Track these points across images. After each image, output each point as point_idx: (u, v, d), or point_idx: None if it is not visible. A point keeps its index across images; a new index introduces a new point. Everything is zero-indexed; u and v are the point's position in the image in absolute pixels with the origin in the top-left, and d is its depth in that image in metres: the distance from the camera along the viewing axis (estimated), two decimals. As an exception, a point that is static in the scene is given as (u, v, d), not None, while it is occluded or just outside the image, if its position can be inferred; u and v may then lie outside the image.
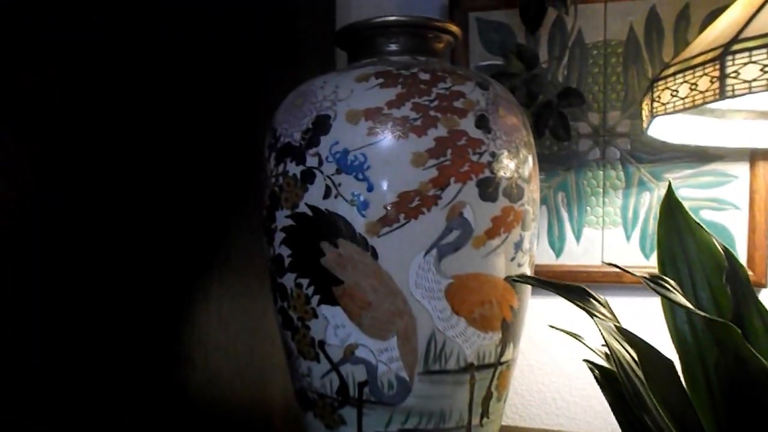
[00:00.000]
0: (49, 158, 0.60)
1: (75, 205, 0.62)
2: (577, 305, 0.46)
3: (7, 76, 0.56)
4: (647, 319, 0.96)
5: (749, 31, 0.68)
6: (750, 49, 0.66)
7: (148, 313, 0.70)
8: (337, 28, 1.02)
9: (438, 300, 0.63)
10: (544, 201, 1.01)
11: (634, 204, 0.99)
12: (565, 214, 1.01)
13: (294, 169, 0.66)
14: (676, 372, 0.53)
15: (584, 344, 0.58)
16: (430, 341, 0.64)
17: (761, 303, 0.59)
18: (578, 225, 1.01)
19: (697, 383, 0.56)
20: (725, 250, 0.57)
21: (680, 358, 0.59)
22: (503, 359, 0.68)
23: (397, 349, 0.64)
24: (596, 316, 0.45)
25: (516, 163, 0.66)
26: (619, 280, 0.98)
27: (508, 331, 0.68)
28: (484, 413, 0.68)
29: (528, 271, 0.69)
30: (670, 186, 0.66)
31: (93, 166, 0.64)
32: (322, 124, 0.65)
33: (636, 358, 0.48)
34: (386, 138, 0.62)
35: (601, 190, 1.00)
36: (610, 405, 0.57)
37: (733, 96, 0.66)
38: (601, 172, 1.00)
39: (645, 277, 0.45)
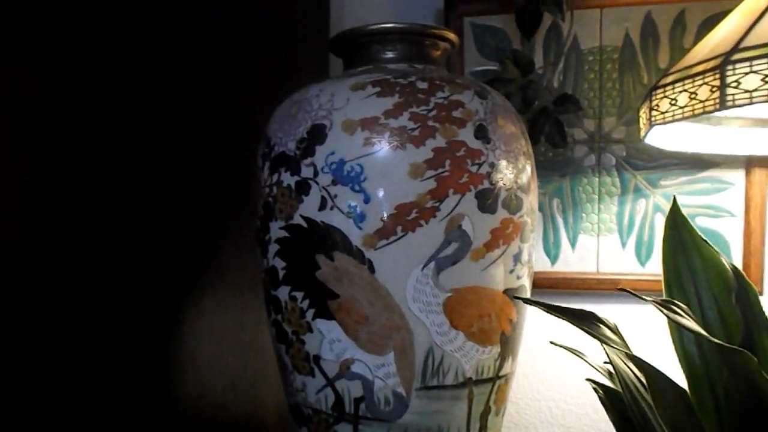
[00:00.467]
0: (47, 161, 0.58)
1: (63, 216, 0.60)
2: (587, 332, 0.45)
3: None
4: (643, 326, 0.96)
5: (750, 40, 0.66)
6: (751, 59, 0.65)
7: (137, 327, 0.67)
8: (331, 34, 1.00)
9: (436, 314, 0.62)
10: (539, 208, 1.00)
11: (630, 211, 0.97)
12: (560, 221, 1.00)
13: (288, 179, 0.64)
14: (688, 399, 0.51)
15: (586, 361, 0.56)
16: (428, 356, 0.62)
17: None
18: (573, 232, 0.99)
19: (706, 406, 0.54)
20: (733, 268, 0.56)
21: (688, 380, 0.57)
22: (502, 373, 0.67)
23: (394, 365, 0.62)
24: (606, 343, 0.44)
25: (515, 174, 0.65)
26: (615, 287, 0.96)
27: (507, 345, 0.66)
28: (483, 428, 0.66)
29: (527, 284, 0.68)
30: (675, 201, 0.64)
31: (89, 174, 0.62)
32: (317, 134, 0.63)
33: (643, 381, 0.46)
34: (383, 148, 0.61)
35: (597, 196, 0.99)
36: (615, 426, 0.55)
37: (734, 106, 0.65)
38: (597, 179, 0.98)
39: (656, 302, 0.44)
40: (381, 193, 0.60)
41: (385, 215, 0.60)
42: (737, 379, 0.48)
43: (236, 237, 0.82)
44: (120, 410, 0.65)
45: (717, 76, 0.67)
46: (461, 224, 0.61)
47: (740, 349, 0.43)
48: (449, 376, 0.63)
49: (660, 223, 0.96)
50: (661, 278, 0.94)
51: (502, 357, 0.66)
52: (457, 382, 0.63)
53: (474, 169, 0.62)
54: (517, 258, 0.65)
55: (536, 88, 0.94)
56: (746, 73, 0.64)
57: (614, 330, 0.47)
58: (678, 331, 0.57)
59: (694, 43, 0.93)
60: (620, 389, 0.44)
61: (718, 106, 0.66)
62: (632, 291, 0.44)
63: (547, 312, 0.46)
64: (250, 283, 0.83)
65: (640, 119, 0.79)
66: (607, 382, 0.58)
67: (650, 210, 0.96)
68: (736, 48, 0.67)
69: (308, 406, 0.66)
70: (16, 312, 0.55)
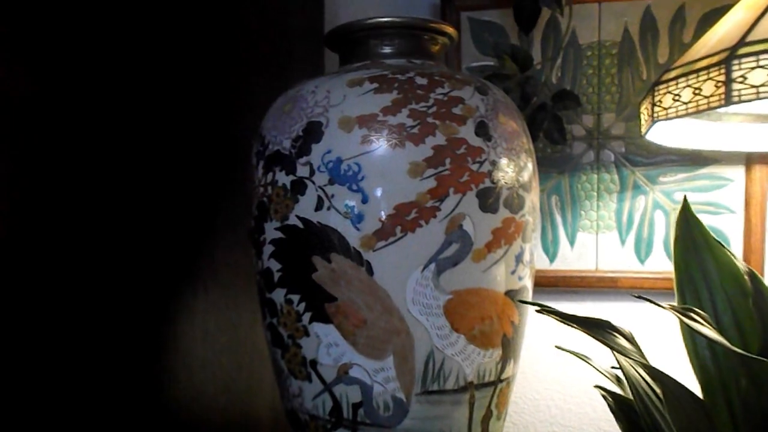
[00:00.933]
0: (26, 158, 0.55)
1: (51, 210, 0.57)
2: (602, 342, 0.42)
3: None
4: (642, 324, 0.94)
5: (756, 34, 0.64)
6: (757, 53, 0.62)
7: (126, 329, 0.64)
8: (326, 29, 0.97)
9: (436, 317, 0.59)
10: (537, 205, 0.97)
11: (629, 208, 0.95)
12: (558, 219, 0.98)
13: (283, 178, 0.61)
14: (707, 410, 0.48)
15: (593, 366, 0.54)
16: (428, 360, 0.60)
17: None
18: (572, 229, 0.97)
19: (720, 415, 0.52)
20: (749, 271, 0.54)
21: (701, 385, 0.55)
22: (503, 376, 0.64)
23: (394, 369, 0.60)
24: (624, 354, 0.41)
25: (517, 172, 0.62)
26: (614, 285, 0.95)
27: (509, 347, 0.64)
28: (484, 433, 0.64)
29: (529, 284, 0.65)
30: (685, 200, 0.62)
31: (75, 173, 0.59)
32: (313, 132, 0.60)
33: (655, 389, 0.44)
34: (382, 146, 0.58)
35: (596, 193, 0.96)
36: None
37: (740, 102, 0.63)
38: (595, 176, 0.96)
39: (676, 310, 0.41)
40: (379, 193, 0.58)
41: (384, 215, 0.58)
42: (758, 389, 0.46)
43: (230, 237, 0.79)
44: (109, 415, 0.62)
45: (722, 71, 0.65)
46: (462, 224, 0.59)
47: (761, 358, 0.41)
48: (450, 380, 0.61)
49: (660, 220, 0.94)
50: (662, 276, 0.93)
51: (504, 360, 0.63)
52: (458, 387, 0.61)
53: (475, 167, 0.59)
54: (519, 258, 0.63)
55: (535, 83, 0.92)
56: (753, 68, 0.62)
57: (630, 339, 0.45)
58: (691, 336, 0.55)
59: (694, 38, 0.91)
60: (631, 396, 0.42)
61: (723, 102, 0.64)
62: (649, 299, 0.42)
63: (561, 321, 0.43)
64: (245, 283, 0.80)
65: (642, 115, 0.76)
66: (615, 388, 0.55)
67: (649, 207, 0.94)
68: (741, 42, 0.64)
69: (305, 412, 0.64)
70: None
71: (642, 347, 0.91)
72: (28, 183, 0.55)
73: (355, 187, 0.58)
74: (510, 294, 0.63)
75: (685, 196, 0.63)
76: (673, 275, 0.92)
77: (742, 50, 0.64)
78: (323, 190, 0.59)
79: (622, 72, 0.94)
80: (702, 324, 0.40)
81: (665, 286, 0.92)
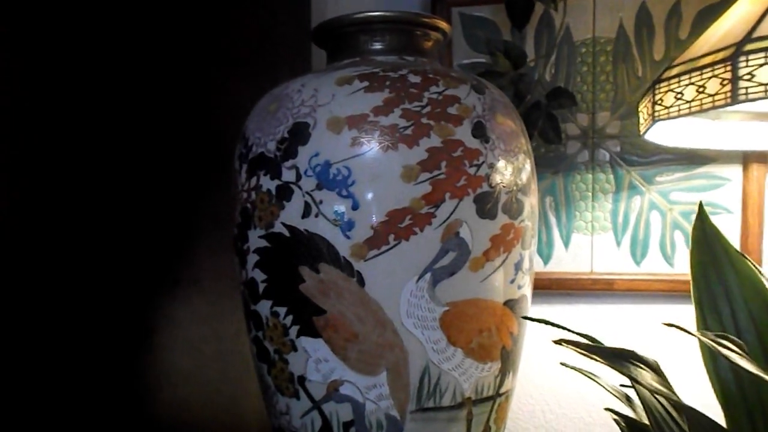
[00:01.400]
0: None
1: (25, 213, 0.52)
2: (626, 376, 0.38)
3: None
4: (638, 327, 0.90)
5: (763, 29, 0.60)
6: (766, 49, 0.58)
7: (104, 342, 0.59)
8: (313, 24, 0.92)
9: (432, 330, 0.55)
10: (531, 206, 0.93)
11: (625, 208, 0.91)
12: (553, 220, 0.93)
13: (268, 183, 0.56)
14: None
15: (602, 386, 0.50)
16: (424, 376, 0.55)
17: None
18: (567, 230, 0.93)
19: (744, 441, 0.48)
20: (775, 285, 0.50)
21: (724, 410, 0.51)
22: (502, 390, 0.60)
23: (387, 386, 0.55)
24: (649, 390, 0.37)
25: (516, 175, 0.58)
26: (610, 287, 0.91)
27: (508, 360, 0.59)
28: (482, 450, 0.60)
29: (528, 293, 0.61)
30: (701, 209, 0.58)
31: (48, 176, 0.54)
32: (299, 133, 0.55)
33: (672, 414, 0.40)
34: (373, 149, 0.53)
35: (590, 194, 0.92)
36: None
37: (747, 100, 0.59)
38: (590, 176, 0.92)
39: (711, 338, 0.37)
40: (371, 199, 0.53)
41: (376, 223, 0.53)
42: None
43: (213, 241, 0.74)
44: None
45: (728, 67, 0.61)
46: (459, 231, 0.54)
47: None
48: (446, 396, 0.56)
49: (656, 220, 0.90)
50: (658, 278, 0.90)
51: (503, 373, 0.59)
52: (455, 403, 0.57)
53: (472, 170, 0.55)
54: (518, 266, 0.58)
55: (529, 81, 0.88)
56: (761, 65, 0.58)
57: (656, 369, 0.41)
58: (712, 357, 0.51)
59: (691, 34, 0.88)
60: (645, 421, 0.38)
61: (729, 101, 0.60)
62: (681, 327, 0.38)
63: (583, 354, 0.38)
64: (230, 290, 0.75)
65: (641, 114, 0.72)
66: (625, 409, 0.51)
67: (645, 207, 0.90)
68: (748, 38, 0.61)
69: (293, 430, 0.59)
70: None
71: (639, 348, 0.88)
72: (21, 183, 0.50)
73: (344, 192, 0.53)
74: (509, 304, 0.58)
75: (700, 203, 0.59)
76: (669, 277, 0.91)
77: (749, 46, 0.60)
78: (311, 195, 0.54)
79: (617, 69, 0.90)
80: (740, 354, 0.36)
81: (661, 288, 0.89)
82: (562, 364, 0.58)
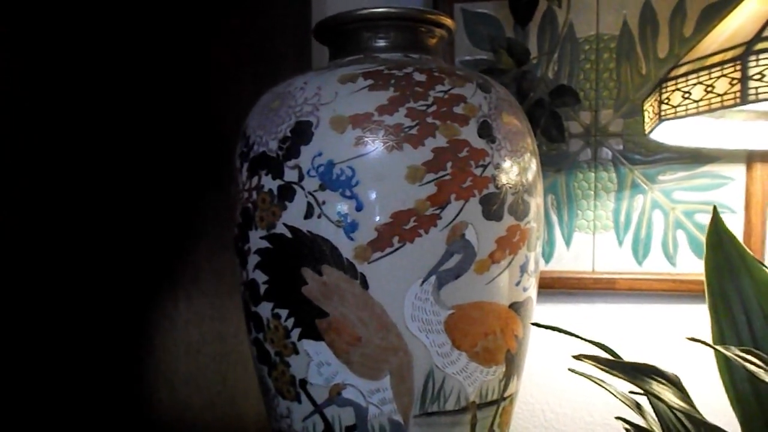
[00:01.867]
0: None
1: (24, 213, 0.50)
2: (646, 392, 0.36)
3: None
4: (640, 326, 0.89)
5: (774, 28, 0.59)
6: (777, 49, 0.57)
7: (103, 343, 0.58)
8: (314, 19, 0.90)
9: (437, 333, 0.53)
10: (533, 204, 0.92)
11: (627, 207, 0.90)
12: (554, 218, 0.92)
13: (270, 183, 0.54)
14: None
15: (612, 393, 0.48)
16: (428, 380, 0.54)
17: None
18: (568, 229, 0.92)
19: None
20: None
21: (741, 423, 0.49)
22: (506, 394, 0.58)
23: (391, 390, 0.54)
24: (670, 408, 0.35)
25: (522, 175, 0.56)
26: (612, 286, 0.89)
27: (513, 363, 0.58)
28: (486, 454, 0.58)
29: (533, 296, 0.60)
30: (716, 213, 0.56)
31: (49, 173, 0.52)
32: (302, 132, 0.53)
33: (687, 425, 0.38)
34: (377, 149, 0.51)
35: (593, 192, 0.91)
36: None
37: (757, 100, 0.57)
38: (593, 174, 0.91)
39: (737, 356, 0.35)
40: (375, 200, 0.51)
41: (380, 224, 0.51)
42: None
43: (214, 241, 0.72)
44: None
45: (737, 67, 0.59)
46: (465, 233, 0.52)
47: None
48: (451, 400, 0.55)
49: (658, 219, 0.88)
50: (660, 277, 0.88)
51: (508, 377, 0.58)
52: (459, 407, 0.55)
53: (478, 171, 0.53)
54: (523, 268, 0.57)
55: (532, 79, 0.86)
56: (773, 65, 0.57)
57: (677, 383, 0.39)
58: (728, 368, 0.49)
59: (695, 32, 0.86)
60: (657, 430, 0.36)
61: (738, 101, 0.59)
62: (706, 342, 0.36)
63: (602, 369, 0.37)
64: (231, 290, 0.74)
65: (646, 113, 0.71)
66: (635, 417, 0.49)
67: (648, 206, 0.89)
68: (758, 37, 0.59)
69: (294, 434, 0.58)
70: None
71: (641, 348, 0.87)
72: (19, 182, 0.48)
73: (348, 193, 0.51)
74: (514, 306, 0.57)
75: (714, 207, 0.57)
76: (671, 277, 0.89)
77: (760, 45, 0.58)
78: (313, 196, 0.52)
79: (620, 67, 0.88)
80: (765, 370, 0.35)
81: (663, 287, 0.88)
82: (571, 370, 0.56)
